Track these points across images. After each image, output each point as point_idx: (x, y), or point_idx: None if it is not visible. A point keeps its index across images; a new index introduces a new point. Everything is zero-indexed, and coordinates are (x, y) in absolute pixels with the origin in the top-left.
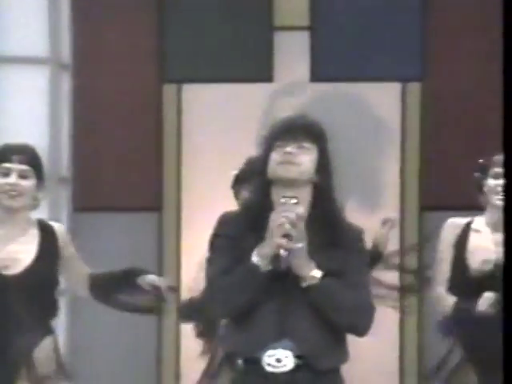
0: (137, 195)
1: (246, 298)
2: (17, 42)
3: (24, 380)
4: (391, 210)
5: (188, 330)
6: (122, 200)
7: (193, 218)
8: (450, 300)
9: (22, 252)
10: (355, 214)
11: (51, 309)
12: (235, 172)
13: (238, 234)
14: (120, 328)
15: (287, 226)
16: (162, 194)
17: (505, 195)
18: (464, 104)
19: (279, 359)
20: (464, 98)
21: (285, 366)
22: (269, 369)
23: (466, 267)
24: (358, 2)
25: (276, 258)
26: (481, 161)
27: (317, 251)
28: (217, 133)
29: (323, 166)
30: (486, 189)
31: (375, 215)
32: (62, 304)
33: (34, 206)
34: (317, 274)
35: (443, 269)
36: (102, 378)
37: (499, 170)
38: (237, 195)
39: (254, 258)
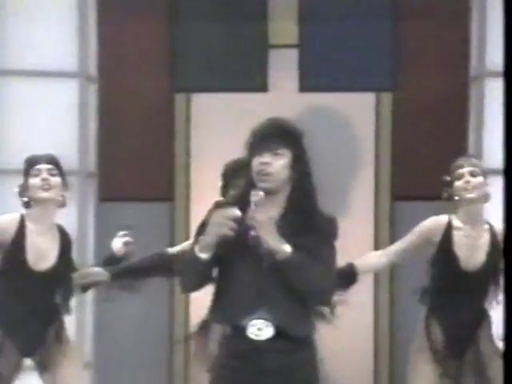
0: (152, 188)
1: (194, 281)
2: (49, 58)
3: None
4: (366, 201)
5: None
6: (139, 191)
7: (200, 209)
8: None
9: (49, 249)
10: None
11: (68, 296)
12: (222, 173)
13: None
14: (133, 303)
15: (254, 206)
16: (173, 188)
17: (505, 195)
18: (432, 110)
19: (260, 328)
20: (432, 104)
21: (265, 334)
22: (252, 336)
23: (456, 264)
24: (337, 25)
25: (220, 244)
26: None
27: (290, 237)
28: (220, 133)
29: (298, 166)
30: (455, 190)
31: (351, 208)
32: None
33: (62, 203)
34: (287, 248)
35: (400, 243)
36: (116, 353)
37: (462, 170)
38: (224, 194)
39: (197, 250)
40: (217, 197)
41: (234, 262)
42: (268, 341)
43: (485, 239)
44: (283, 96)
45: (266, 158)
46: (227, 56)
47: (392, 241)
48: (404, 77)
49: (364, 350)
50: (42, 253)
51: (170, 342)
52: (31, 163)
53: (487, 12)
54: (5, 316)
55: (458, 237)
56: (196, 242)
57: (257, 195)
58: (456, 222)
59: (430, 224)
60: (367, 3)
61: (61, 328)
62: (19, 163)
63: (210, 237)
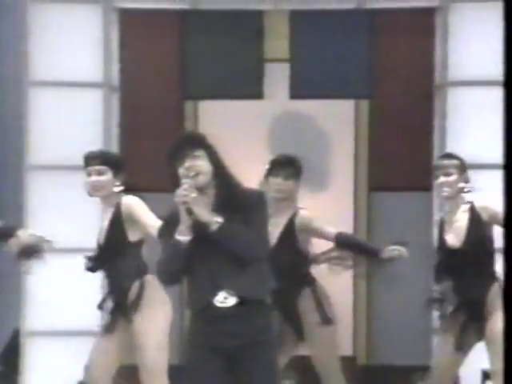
0: (164, 180)
1: (177, 266)
2: (77, 70)
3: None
4: (347, 192)
5: None
6: (153, 184)
7: None
8: None
9: (105, 220)
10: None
11: (130, 256)
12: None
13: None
14: None
15: (185, 191)
16: None
17: (505, 195)
18: (402, 114)
19: (226, 297)
20: (402, 109)
21: (229, 302)
22: (219, 305)
23: (445, 245)
24: (322, 42)
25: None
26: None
27: (222, 214)
28: (224, 133)
29: (214, 160)
30: (435, 188)
31: (334, 198)
32: None
33: (116, 189)
34: (218, 219)
35: None
36: None
37: (437, 172)
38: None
39: (176, 236)
40: None
41: (193, 253)
42: (232, 307)
43: (465, 219)
44: (276, 103)
45: (188, 162)
46: (229, 68)
47: (368, 223)
48: (378, 86)
49: (344, 307)
50: (104, 225)
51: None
52: (85, 163)
53: (449, 29)
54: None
55: (447, 227)
56: (164, 236)
57: (187, 182)
58: (444, 216)
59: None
60: (347, 24)
61: (144, 284)
62: (54, 160)
63: (184, 219)
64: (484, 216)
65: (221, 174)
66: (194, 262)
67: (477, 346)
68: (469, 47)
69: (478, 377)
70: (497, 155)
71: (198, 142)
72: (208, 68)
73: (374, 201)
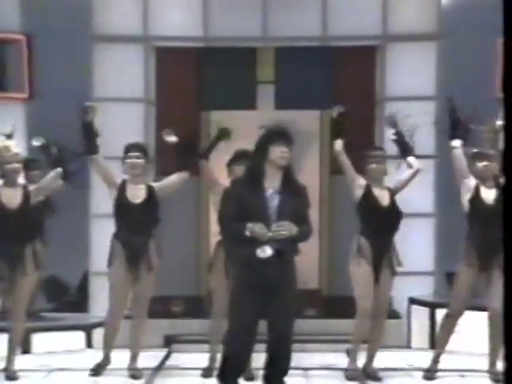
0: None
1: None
2: (124, 88)
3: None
4: (314, 175)
5: None
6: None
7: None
8: None
9: (140, 194)
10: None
11: (154, 222)
12: (230, 157)
13: (241, 190)
14: None
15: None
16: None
17: (505, 194)
18: (354, 121)
19: (264, 250)
20: (355, 118)
21: (267, 253)
22: (259, 255)
23: (375, 205)
24: (298, 69)
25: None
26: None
27: (284, 193)
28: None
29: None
30: (369, 170)
31: (305, 180)
32: None
33: (146, 173)
34: (294, 228)
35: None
36: None
37: (372, 159)
38: (230, 173)
39: (268, 192)
40: (223, 176)
41: (249, 211)
42: (269, 258)
43: (386, 193)
44: (265, 112)
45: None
46: (232, 88)
47: (330, 198)
48: (337, 100)
49: (312, 252)
50: (135, 195)
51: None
52: (126, 150)
53: (386, 60)
54: (121, 234)
55: (375, 191)
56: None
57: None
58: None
59: (357, 181)
60: (315, 56)
61: (158, 242)
62: (112, 153)
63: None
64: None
65: (287, 166)
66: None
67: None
68: (401, 72)
69: (406, 302)
70: (423, 149)
71: (291, 137)
72: (217, 88)
73: (335, 180)
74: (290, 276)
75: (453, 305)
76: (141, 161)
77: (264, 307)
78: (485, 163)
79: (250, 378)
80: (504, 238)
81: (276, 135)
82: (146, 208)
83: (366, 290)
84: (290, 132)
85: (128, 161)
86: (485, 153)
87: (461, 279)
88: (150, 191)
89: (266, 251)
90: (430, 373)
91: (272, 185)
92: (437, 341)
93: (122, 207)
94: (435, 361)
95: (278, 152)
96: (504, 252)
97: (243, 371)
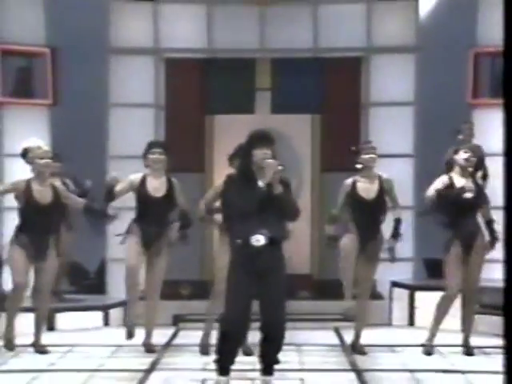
0: (192, 164)
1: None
2: (137, 94)
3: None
4: (306, 172)
5: None
6: (185, 167)
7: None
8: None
9: (161, 187)
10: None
11: (170, 212)
12: (230, 153)
13: (236, 183)
14: None
15: (277, 167)
16: (203, 164)
17: (505, 194)
18: (342, 122)
19: (258, 239)
20: (341, 119)
21: (261, 242)
22: (253, 243)
23: (360, 197)
24: (290, 78)
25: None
26: (353, 148)
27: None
28: (231, 135)
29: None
30: (362, 160)
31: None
32: None
33: (165, 167)
34: (281, 187)
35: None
36: None
37: (366, 151)
38: (232, 165)
39: (259, 183)
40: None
41: (243, 201)
42: (262, 246)
43: (376, 184)
44: (263, 116)
45: (266, 150)
46: (234, 94)
47: (321, 194)
48: (326, 106)
49: (304, 241)
50: (156, 188)
51: None
52: (150, 147)
53: (370, 69)
54: (141, 221)
55: (360, 185)
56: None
57: (273, 161)
58: (359, 178)
59: (345, 184)
60: (307, 67)
61: (167, 233)
62: (127, 152)
63: (267, 177)
64: (385, 185)
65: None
66: (248, 216)
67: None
68: (383, 81)
69: (388, 285)
70: (402, 148)
71: (271, 139)
72: (220, 94)
73: (324, 176)
74: (280, 261)
75: (448, 288)
76: (162, 157)
77: (257, 289)
78: (467, 156)
79: (249, 353)
80: (504, 237)
81: (257, 140)
82: (166, 200)
83: (351, 274)
84: (269, 135)
85: (152, 156)
86: (470, 146)
87: (451, 265)
88: (170, 184)
89: (260, 240)
90: (428, 348)
91: (261, 179)
92: (434, 320)
93: (143, 199)
94: (431, 337)
95: (260, 154)
96: (504, 252)
97: (239, 347)
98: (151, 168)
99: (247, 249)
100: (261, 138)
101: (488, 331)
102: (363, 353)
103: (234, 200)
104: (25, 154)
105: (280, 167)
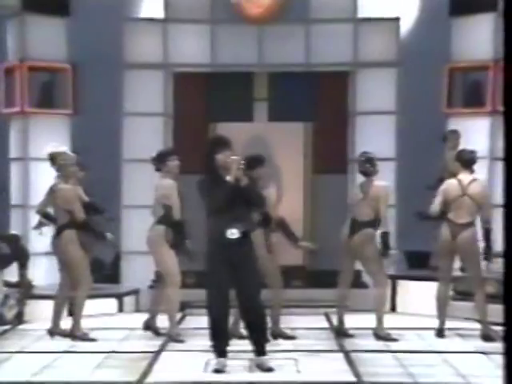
0: (198, 167)
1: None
2: (148, 104)
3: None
4: (299, 174)
5: None
6: (191, 170)
7: None
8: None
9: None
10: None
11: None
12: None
13: (209, 183)
14: None
15: (240, 162)
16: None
17: (505, 193)
18: (331, 129)
19: (233, 232)
20: (331, 127)
21: (235, 235)
22: (229, 237)
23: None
24: (285, 89)
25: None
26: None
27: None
28: (232, 140)
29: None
30: (359, 167)
31: (291, 180)
32: None
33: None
34: (246, 180)
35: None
36: None
37: (364, 160)
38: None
39: (227, 178)
40: None
41: (217, 196)
42: (236, 239)
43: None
44: (260, 123)
45: (229, 151)
46: (234, 104)
47: (312, 195)
48: (317, 114)
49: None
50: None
51: None
52: (169, 154)
53: (357, 82)
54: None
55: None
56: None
57: (237, 158)
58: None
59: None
60: (300, 80)
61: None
62: (139, 156)
63: (232, 175)
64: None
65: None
66: (223, 210)
67: None
68: (368, 92)
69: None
70: (386, 152)
71: (228, 142)
72: (222, 104)
73: (316, 178)
74: (251, 251)
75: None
76: (179, 163)
77: (233, 277)
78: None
79: (242, 336)
80: (504, 237)
81: (217, 145)
82: (183, 200)
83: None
84: (226, 139)
85: (172, 163)
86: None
87: (442, 256)
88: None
89: (234, 233)
90: (440, 331)
91: (228, 176)
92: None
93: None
94: (441, 322)
95: (222, 157)
96: (504, 251)
97: (227, 330)
98: (170, 172)
99: (223, 241)
100: (219, 143)
101: (461, 315)
102: (348, 335)
103: (208, 199)
104: (52, 159)
105: (242, 162)
